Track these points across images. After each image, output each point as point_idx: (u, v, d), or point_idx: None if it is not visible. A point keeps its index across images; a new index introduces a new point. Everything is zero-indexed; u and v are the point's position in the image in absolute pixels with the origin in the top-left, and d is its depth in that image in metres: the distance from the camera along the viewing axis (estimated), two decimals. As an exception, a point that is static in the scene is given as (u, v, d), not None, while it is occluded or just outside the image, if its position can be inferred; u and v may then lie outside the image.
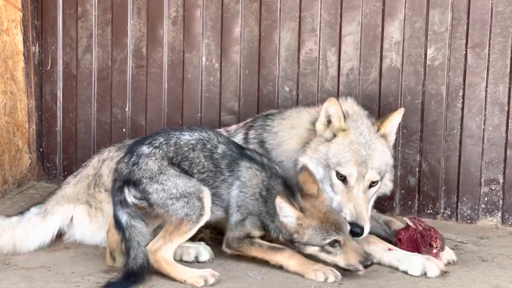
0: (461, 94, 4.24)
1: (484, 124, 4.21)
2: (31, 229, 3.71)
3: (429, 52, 4.25)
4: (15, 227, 3.68)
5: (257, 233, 3.50)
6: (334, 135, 3.68)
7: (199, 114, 4.59)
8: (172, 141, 3.47)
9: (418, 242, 3.58)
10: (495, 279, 3.44)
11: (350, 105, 3.86)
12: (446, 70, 4.24)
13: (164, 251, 3.36)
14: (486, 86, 4.20)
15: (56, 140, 4.83)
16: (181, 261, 3.57)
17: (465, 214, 4.28)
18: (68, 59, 4.76)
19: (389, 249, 3.58)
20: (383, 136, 3.74)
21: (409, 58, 4.28)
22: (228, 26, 4.49)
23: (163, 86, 4.63)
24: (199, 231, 3.86)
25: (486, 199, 4.25)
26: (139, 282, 3.28)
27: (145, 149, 3.44)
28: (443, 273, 3.46)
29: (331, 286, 3.33)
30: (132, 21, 4.63)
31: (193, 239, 3.60)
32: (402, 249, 3.60)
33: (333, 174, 3.64)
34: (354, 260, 3.34)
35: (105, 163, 3.88)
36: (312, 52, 4.40)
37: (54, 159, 4.85)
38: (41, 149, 4.86)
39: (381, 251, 3.57)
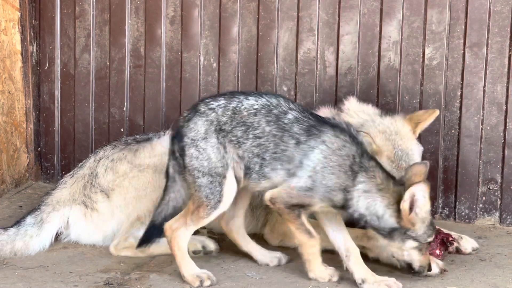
0: (459, 93, 4.24)
1: (482, 124, 4.22)
2: (30, 240, 3.71)
3: (427, 51, 4.25)
4: (14, 240, 3.69)
5: (317, 207, 3.29)
6: None
7: (197, 114, 4.58)
8: (231, 105, 3.30)
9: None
10: (493, 279, 3.44)
11: (365, 109, 3.86)
12: (444, 70, 4.24)
13: (181, 234, 3.32)
14: (484, 86, 4.20)
15: (54, 140, 4.83)
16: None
17: (463, 213, 4.28)
18: (66, 58, 4.75)
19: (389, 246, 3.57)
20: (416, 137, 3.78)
21: (407, 57, 4.28)
22: (226, 25, 4.49)
23: (161, 85, 4.63)
24: (197, 230, 3.88)
25: (484, 198, 4.25)
26: (159, 236, 3.40)
27: (202, 107, 3.33)
28: (442, 272, 3.47)
29: (329, 285, 3.33)
30: (130, 21, 4.63)
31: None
32: None
33: None
34: (426, 262, 3.32)
35: (100, 162, 3.87)
36: (310, 52, 4.40)
37: (52, 159, 4.84)
38: (39, 149, 4.85)
39: (380, 247, 3.57)
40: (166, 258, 3.66)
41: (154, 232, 3.43)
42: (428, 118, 3.79)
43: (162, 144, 3.86)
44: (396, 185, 3.23)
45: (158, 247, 3.69)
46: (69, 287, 3.29)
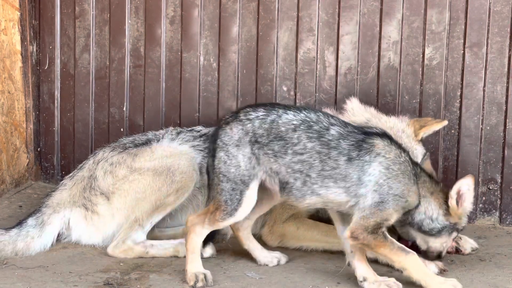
0: (459, 93, 4.24)
1: (482, 124, 4.22)
2: (31, 241, 3.72)
3: (427, 51, 4.25)
4: (15, 241, 3.69)
5: (394, 217, 3.23)
6: None
7: (197, 114, 4.58)
8: (269, 118, 3.25)
9: None
10: (493, 279, 3.44)
11: (368, 109, 3.87)
12: (444, 70, 4.24)
13: (196, 230, 3.32)
14: (484, 86, 4.20)
15: (53, 140, 4.83)
16: (184, 257, 3.61)
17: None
18: (65, 58, 4.75)
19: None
20: (420, 141, 3.80)
21: (407, 57, 4.28)
22: (226, 25, 4.49)
23: (161, 85, 4.62)
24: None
25: (484, 198, 4.25)
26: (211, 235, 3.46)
27: (241, 115, 3.30)
28: (442, 272, 3.47)
29: (329, 286, 3.33)
30: (130, 21, 4.63)
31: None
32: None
33: None
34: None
35: (99, 164, 3.87)
36: (310, 52, 4.40)
37: (52, 159, 4.84)
38: (38, 149, 4.85)
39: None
40: (165, 259, 3.66)
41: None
42: (434, 124, 3.81)
43: (162, 147, 3.86)
44: (440, 186, 3.32)
45: (157, 250, 3.70)
46: (69, 287, 3.29)
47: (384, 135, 3.29)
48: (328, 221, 3.92)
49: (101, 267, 3.54)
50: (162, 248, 3.70)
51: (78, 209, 3.80)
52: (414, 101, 4.29)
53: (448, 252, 3.72)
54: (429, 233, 3.32)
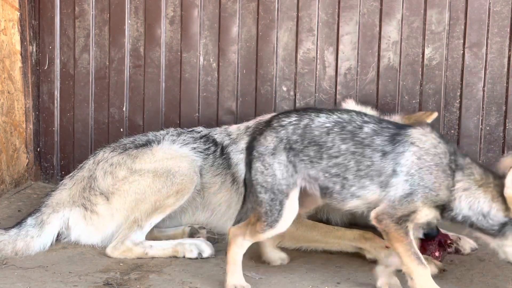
0: (458, 94, 4.24)
1: (482, 124, 4.22)
2: (31, 240, 3.72)
3: (426, 52, 4.25)
4: (15, 241, 3.69)
5: (423, 212, 3.08)
6: None
7: (197, 114, 4.58)
8: (302, 123, 3.15)
9: (423, 243, 3.59)
10: (493, 279, 3.44)
11: (364, 109, 3.85)
12: (444, 70, 4.24)
13: (238, 242, 3.23)
14: (484, 86, 4.20)
15: (53, 140, 4.83)
16: (183, 258, 3.64)
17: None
18: (65, 58, 4.75)
19: (387, 246, 3.57)
20: None
21: (406, 57, 4.28)
22: (225, 25, 4.49)
23: (160, 85, 4.63)
24: (196, 231, 3.89)
25: (483, 198, 4.25)
26: None
27: (274, 122, 3.21)
28: (441, 272, 3.47)
29: (328, 286, 3.33)
30: (129, 21, 4.63)
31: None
32: None
33: None
34: None
35: (99, 164, 3.88)
36: (309, 52, 4.40)
37: (52, 159, 4.84)
38: (38, 149, 4.85)
39: (378, 247, 3.57)
40: (165, 259, 3.66)
41: None
42: (426, 119, 3.79)
43: (163, 149, 3.86)
44: (497, 178, 3.05)
45: (156, 251, 3.70)
46: (69, 287, 3.29)
47: (423, 126, 3.15)
48: (327, 221, 3.93)
49: (101, 267, 3.54)
50: (161, 248, 3.70)
51: (78, 208, 3.81)
52: (413, 101, 4.29)
53: (448, 252, 3.72)
54: (491, 233, 3.06)
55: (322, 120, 3.15)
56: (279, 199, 3.10)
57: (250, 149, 3.20)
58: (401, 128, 3.14)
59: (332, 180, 3.12)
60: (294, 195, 3.14)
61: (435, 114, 3.80)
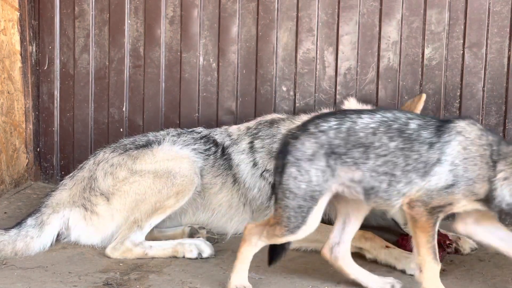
0: (458, 94, 4.24)
1: (482, 124, 4.21)
2: (31, 241, 3.72)
3: (426, 52, 4.25)
4: (15, 241, 3.69)
5: (460, 204, 3.05)
6: None
7: (197, 114, 4.59)
8: (344, 126, 3.10)
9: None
10: (492, 279, 3.44)
11: (365, 107, 3.86)
12: (444, 70, 4.24)
13: (252, 240, 3.17)
14: (483, 86, 4.20)
15: (53, 140, 4.83)
16: (183, 258, 3.65)
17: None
18: (65, 58, 4.75)
19: (387, 246, 3.58)
20: None
21: (406, 58, 4.28)
22: (225, 26, 4.49)
23: (160, 86, 4.63)
24: (196, 231, 3.89)
25: (483, 198, 4.25)
26: (282, 252, 3.26)
27: (311, 127, 3.13)
28: (441, 272, 3.46)
29: (328, 286, 3.33)
30: (129, 21, 4.63)
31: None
32: (404, 245, 3.62)
33: None
34: None
35: (100, 165, 3.88)
36: (309, 52, 4.40)
37: (51, 159, 4.84)
38: (38, 149, 4.85)
39: (378, 247, 3.57)
40: (165, 259, 3.66)
41: (276, 249, 3.27)
42: (418, 104, 3.79)
43: (164, 150, 3.86)
44: None
45: (156, 251, 3.70)
46: (68, 287, 3.29)
47: (467, 117, 3.13)
48: (328, 222, 3.93)
49: (101, 267, 3.54)
50: (161, 248, 3.70)
51: (78, 209, 3.81)
52: (413, 101, 4.29)
53: (448, 253, 3.72)
54: None
55: (365, 121, 3.10)
56: (307, 206, 3.06)
57: (284, 154, 3.13)
58: (445, 120, 3.12)
59: (379, 178, 3.07)
60: (323, 201, 3.10)
61: (424, 96, 3.80)
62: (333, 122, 3.11)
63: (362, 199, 3.12)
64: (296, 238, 3.12)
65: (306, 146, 3.09)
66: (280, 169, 3.12)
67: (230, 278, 3.19)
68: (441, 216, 3.06)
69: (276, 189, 3.14)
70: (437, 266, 3.07)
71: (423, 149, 3.04)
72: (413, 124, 3.08)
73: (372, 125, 3.08)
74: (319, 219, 3.11)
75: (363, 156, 3.06)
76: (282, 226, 3.08)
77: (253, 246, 3.19)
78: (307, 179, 3.06)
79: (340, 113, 3.19)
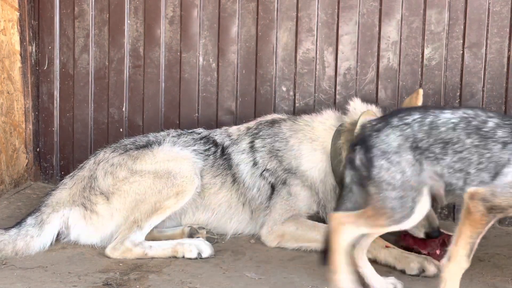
0: (458, 94, 4.24)
1: (481, 124, 4.22)
2: (31, 240, 3.72)
3: (426, 52, 4.25)
4: (15, 240, 3.69)
5: None
6: None
7: (196, 114, 4.59)
8: (427, 120, 3.08)
9: (426, 241, 3.60)
10: (492, 279, 3.44)
11: (370, 107, 3.86)
12: (443, 70, 4.24)
13: (347, 229, 3.12)
14: (483, 86, 4.21)
15: (53, 140, 4.83)
16: (183, 258, 3.65)
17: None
18: (65, 59, 4.75)
19: (387, 246, 3.58)
20: None
21: (406, 58, 4.28)
22: (225, 26, 4.49)
23: (160, 86, 4.63)
24: (196, 231, 3.89)
25: (483, 198, 4.25)
26: None
27: (395, 120, 3.11)
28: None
29: (328, 286, 3.33)
30: (129, 21, 4.63)
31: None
32: (404, 245, 3.62)
33: None
34: None
35: (100, 165, 3.88)
36: (309, 52, 4.40)
37: (51, 159, 4.84)
38: (38, 149, 4.85)
39: (378, 247, 3.57)
40: (164, 259, 3.66)
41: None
42: (417, 101, 3.80)
43: (164, 151, 3.86)
44: None
45: (155, 251, 3.70)
46: (68, 287, 3.29)
47: None
48: (326, 223, 3.93)
49: (100, 267, 3.54)
50: (161, 248, 3.70)
51: (77, 208, 3.81)
52: (413, 101, 4.29)
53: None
54: None
55: (448, 116, 3.08)
56: (411, 196, 3.02)
57: (366, 147, 3.10)
58: None
59: (456, 175, 3.04)
60: (426, 192, 3.06)
61: (421, 91, 3.81)
62: (416, 116, 3.10)
63: (443, 196, 3.09)
64: (400, 228, 3.07)
65: (391, 138, 3.07)
66: (365, 163, 3.09)
67: (333, 280, 3.12)
68: (498, 217, 3.02)
69: (366, 185, 3.10)
70: (465, 264, 3.05)
71: (496, 148, 3.00)
72: (491, 123, 3.04)
73: (453, 121, 3.06)
74: (427, 209, 3.07)
75: (443, 151, 3.03)
76: (387, 217, 3.03)
77: (349, 234, 3.12)
78: (400, 170, 3.03)
79: (423, 107, 3.17)
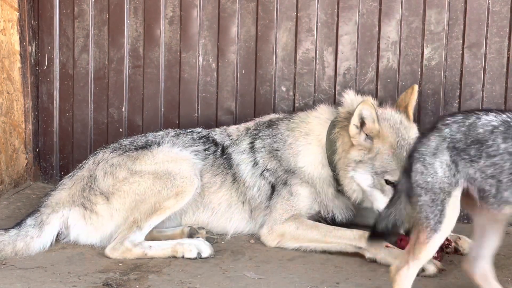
0: (457, 94, 4.24)
1: (481, 124, 4.22)
2: (31, 241, 3.72)
3: (425, 52, 4.25)
4: (15, 241, 3.69)
5: None
6: (369, 137, 3.68)
7: (196, 114, 4.58)
8: (468, 121, 2.96)
9: None
10: (492, 279, 3.44)
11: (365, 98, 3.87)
12: (443, 70, 4.24)
13: (402, 274, 2.98)
14: (483, 86, 4.21)
15: (52, 140, 4.82)
16: (183, 258, 3.64)
17: (462, 214, 4.27)
18: (64, 59, 4.75)
19: (386, 246, 3.58)
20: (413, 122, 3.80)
21: (405, 58, 4.28)
22: (225, 26, 4.49)
23: (159, 86, 4.62)
24: (196, 231, 3.89)
25: (482, 198, 4.25)
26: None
27: (439, 123, 3.00)
28: (441, 272, 3.47)
29: (328, 285, 3.33)
30: (128, 21, 4.62)
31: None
32: (403, 246, 3.62)
33: (383, 181, 3.66)
34: None
35: (99, 165, 3.88)
36: (309, 52, 4.40)
37: (51, 159, 4.84)
38: (37, 149, 4.85)
39: (378, 247, 3.57)
40: (164, 259, 3.66)
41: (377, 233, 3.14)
42: (412, 96, 3.82)
43: (163, 151, 3.87)
44: None
45: (155, 251, 3.70)
46: (68, 287, 3.29)
47: None
48: (331, 220, 3.93)
49: (100, 267, 3.54)
50: (160, 249, 3.70)
51: (77, 208, 3.81)
52: (413, 101, 4.29)
53: (447, 252, 3.72)
54: None
55: (489, 118, 2.95)
56: (440, 198, 2.91)
57: (411, 153, 3.03)
58: None
59: (488, 181, 2.92)
60: (457, 194, 2.95)
61: (416, 87, 3.83)
62: (458, 117, 3.00)
63: (477, 201, 2.99)
64: (442, 235, 2.95)
65: (431, 139, 2.97)
66: (408, 169, 3.00)
67: None
68: None
69: (401, 192, 3.03)
70: None
71: None
72: None
73: (493, 123, 2.94)
74: (458, 212, 2.98)
75: (477, 154, 2.92)
76: (424, 229, 2.93)
77: (404, 280, 2.99)
78: (431, 172, 2.93)
79: (471, 110, 3.06)
